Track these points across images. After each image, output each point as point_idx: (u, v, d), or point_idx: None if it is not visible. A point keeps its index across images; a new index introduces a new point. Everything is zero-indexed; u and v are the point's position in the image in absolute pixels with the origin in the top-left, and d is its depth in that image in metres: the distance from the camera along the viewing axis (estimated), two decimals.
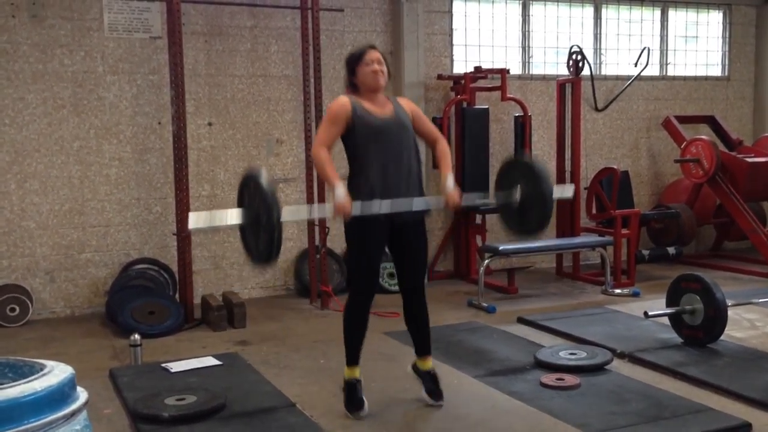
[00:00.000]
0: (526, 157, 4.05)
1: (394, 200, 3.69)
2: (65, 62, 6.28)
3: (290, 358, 4.94)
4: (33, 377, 2.20)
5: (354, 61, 3.84)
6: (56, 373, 2.23)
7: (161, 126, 6.56)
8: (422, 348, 4.06)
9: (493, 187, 4.15)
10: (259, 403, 4.04)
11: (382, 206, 3.67)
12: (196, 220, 3.74)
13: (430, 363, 4.06)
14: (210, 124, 6.77)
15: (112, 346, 5.43)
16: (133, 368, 4.72)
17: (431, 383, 4.03)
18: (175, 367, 4.64)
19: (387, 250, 3.96)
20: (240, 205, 3.66)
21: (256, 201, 3.51)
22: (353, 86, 3.88)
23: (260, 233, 3.49)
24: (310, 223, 6.63)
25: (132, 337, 4.83)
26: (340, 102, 3.78)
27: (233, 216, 3.65)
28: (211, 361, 4.78)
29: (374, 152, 3.73)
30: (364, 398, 3.89)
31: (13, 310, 6.04)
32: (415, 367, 4.11)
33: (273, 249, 3.45)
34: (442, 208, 3.94)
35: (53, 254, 6.35)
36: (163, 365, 4.68)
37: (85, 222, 6.43)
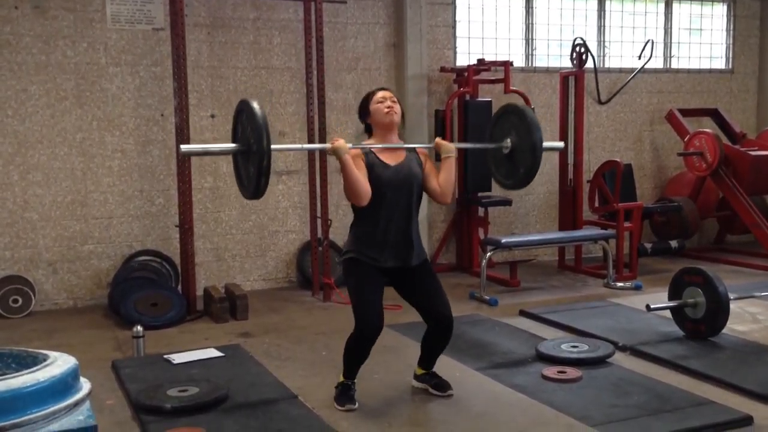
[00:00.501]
0: (519, 105, 4.01)
1: (384, 144, 3.74)
2: (68, 54, 6.27)
3: (292, 350, 4.95)
4: (36, 368, 2.21)
5: (366, 101, 3.82)
6: (59, 363, 2.24)
7: (164, 118, 6.56)
8: (429, 363, 4.07)
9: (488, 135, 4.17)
10: (261, 394, 4.05)
11: (374, 147, 3.73)
12: (189, 147, 3.71)
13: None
14: (213, 116, 6.76)
15: (114, 338, 5.45)
16: (135, 359, 4.73)
17: (435, 378, 4.05)
18: (178, 358, 4.65)
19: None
20: (234, 138, 3.64)
21: (247, 129, 3.47)
22: (368, 128, 3.85)
23: (250, 161, 3.45)
24: (313, 216, 6.63)
25: (134, 329, 4.85)
26: (352, 152, 3.68)
27: (227, 146, 3.66)
28: (213, 352, 4.79)
29: (381, 204, 3.70)
30: (356, 398, 3.89)
31: (16, 301, 6.06)
32: (416, 377, 4.12)
33: (262, 176, 3.38)
34: (432, 146, 3.89)
35: (56, 246, 6.36)
36: (166, 357, 4.69)
37: (88, 214, 6.43)
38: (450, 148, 3.83)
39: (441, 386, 4.01)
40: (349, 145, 3.67)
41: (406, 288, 3.90)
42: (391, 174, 3.72)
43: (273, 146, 3.38)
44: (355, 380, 3.93)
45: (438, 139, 3.93)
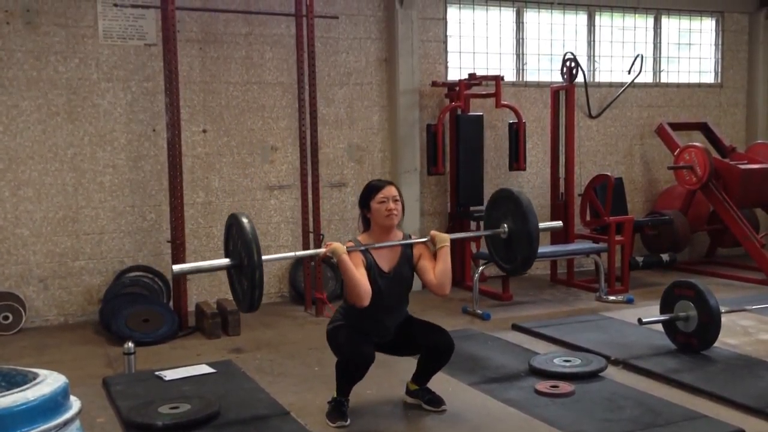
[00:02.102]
0: (514, 191, 4.05)
1: (382, 243, 3.78)
2: (59, 69, 6.27)
3: (285, 366, 4.93)
4: (26, 386, 2.19)
5: (369, 195, 3.80)
6: (49, 382, 2.22)
7: (156, 133, 6.56)
8: (424, 380, 4.08)
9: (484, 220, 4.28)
10: (254, 411, 4.03)
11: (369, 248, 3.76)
12: (181, 267, 3.76)
13: None
14: (204, 131, 6.77)
15: (105, 354, 5.42)
16: (126, 376, 4.70)
17: (428, 393, 4.05)
18: (169, 375, 4.62)
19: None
20: (226, 253, 3.70)
21: (238, 244, 3.52)
22: (365, 221, 3.86)
23: (243, 275, 3.50)
24: (305, 231, 6.63)
25: (126, 345, 4.81)
26: (353, 254, 3.69)
27: (219, 262, 3.69)
28: (205, 368, 4.77)
29: (373, 306, 3.70)
30: (348, 415, 3.88)
31: (6, 318, 6.02)
32: (409, 392, 4.12)
33: (255, 289, 3.42)
34: (427, 240, 3.90)
35: (47, 262, 6.33)
36: (157, 373, 4.67)
37: (79, 229, 6.41)
38: (444, 238, 3.84)
39: (434, 402, 4.00)
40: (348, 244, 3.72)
41: (398, 343, 3.96)
42: (385, 284, 3.78)
43: (264, 257, 3.43)
44: (349, 397, 3.92)
45: (432, 233, 3.92)
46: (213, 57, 6.75)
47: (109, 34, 6.40)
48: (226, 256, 3.67)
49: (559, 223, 4.52)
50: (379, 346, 3.93)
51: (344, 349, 3.77)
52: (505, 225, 4.00)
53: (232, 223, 3.57)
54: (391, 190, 3.78)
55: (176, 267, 3.68)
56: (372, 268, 3.74)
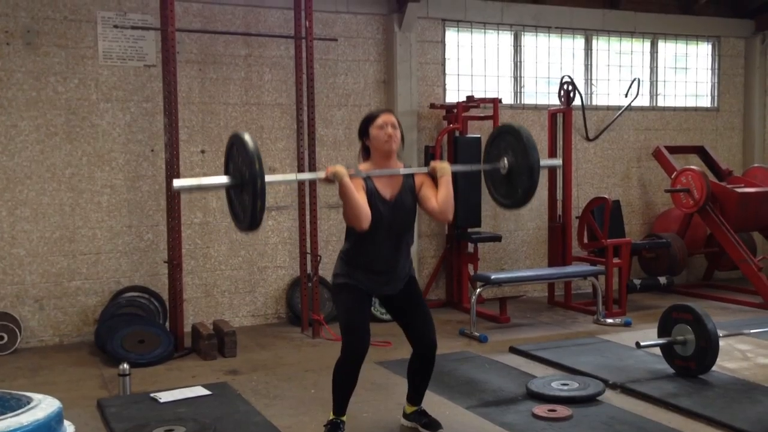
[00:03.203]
0: (515, 125, 4.01)
1: (382, 169, 3.75)
2: (59, 89, 6.29)
3: (281, 388, 4.90)
4: (20, 411, 2.17)
5: (367, 123, 3.82)
6: (43, 407, 2.21)
7: (154, 153, 6.57)
8: (418, 397, 4.06)
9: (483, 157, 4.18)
10: None
11: (372, 173, 3.71)
12: (181, 183, 3.65)
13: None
14: (203, 151, 6.78)
15: (100, 375, 5.38)
16: (121, 398, 4.67)
17: (425, 417, 4.02)
18: (164, 397, 4.60)
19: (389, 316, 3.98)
20: (226, 172, 3.59)
21: (239, 161, 3.43)
22: (365, 149, 3.86)
23: (244, 191, 3.40)
24: (302, 251, 6.62)
25: (121, 367, 4.79)
26: (354, 180, 3.67)
27: (219, 179, 3.60)
28: (200, 390, 4.74)
29: (374, 236, 3.71)
30: None
31: (1, 338, 5.98)
32: (406, 415, 4.10)
33: (257, 208, 3.32)
34: (428, 171, 3.86)
35: (43, 282, 6.31)
36: (152, 395, 4.64)
37: (76, 249, 6.40)
38: (445, 166, 3.82)
39: (431, 425, 3.98)
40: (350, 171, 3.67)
41: (395, 308, 3.92)
42: (387, 210, 3.73)
43: (266, 177, 3.34)
44: (344, 418, 3.89)
45: (433, 163, 3.90)
46: (212, 78, 6.79)
47: (109, 55, 6.44)
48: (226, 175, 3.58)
49: (558, 161, 4.45)
50: (385, 301, 3.87)
51: (345, 335, 3.78)
52: (505, 159, 3.93)
53: (234, 143, 3.50)
54: (389, 117, 3.78)
55: (177, 182, 3.56)
56: (373, 194, 3.70)
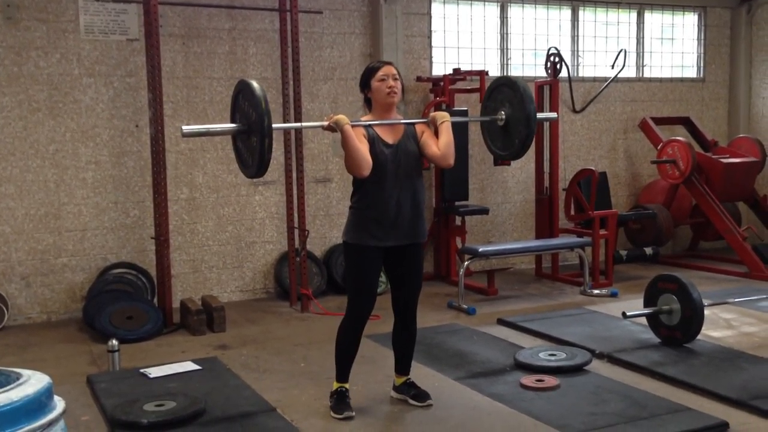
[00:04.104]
0: (512, 77, 4.09)
1: (382, 119, 3.81)
2: (40, 64, 6.21)
3: (270, 362, 4.91)
4: (9, 387, 2.17)
5: (368, 75, 3.84)
6: (33, 382, 2.21)
7: (138, 129, 6.51)
8: (405, 366, 4.10)
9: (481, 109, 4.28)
10: (239, 407, 4.02)
11: (373, 123, 3.78)
12: (190, 128, 3.69)
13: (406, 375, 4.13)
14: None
15: (89, 352, 5.38)
16: (111, 374, 4.67)
17: (414, 389, 4.06)
18: (154, 372, 4.60)
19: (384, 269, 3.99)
20: (233, 118, 3.69)
21: (247, 106, 3.51)
22: (367, 101, 3.89)
23: (252, 137, 3.48)
24: (290, 226, 6.61)
25: (110, 343, 4.79)
26: (356, 129, 3.71)
27: (227, 125, 3.70)
28: (190, 366, 4.75)
29: (383, 182, 3.73)
30: (351, 406, 3.91)
31: None
32: (395, 387, 4.13)
33: (265, 149, 3.42)
34: (428, 121, 3.93)
35: (29, 259, 6.27)
36: (142, 371, 4.64)
37: (62, 226, 6.36)
38: (444, 114, 3.90)
39: (420, 397, 4.01)
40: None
41: (391, 261, 3.93)
42: (391, 153, 3.76)
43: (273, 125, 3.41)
44: (348, 386, 3.94)
45: (432, 113, 3.97)
46: (196, 52, 6.71)
47: (91, 29, 6.34)
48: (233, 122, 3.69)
49: (554, 114, 4.58)
50: (388, 252, 3.87)
51: (353, 296, 3.85)
52: (502, 111, 4.02)
53: (241, 89, 3.58)
54: (390, 69, 3.82)
55: (185, 128, 3.62)
56: (375, 140, 3.74)
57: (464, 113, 7.37)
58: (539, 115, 4.01)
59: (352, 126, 3.66)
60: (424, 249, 7.58)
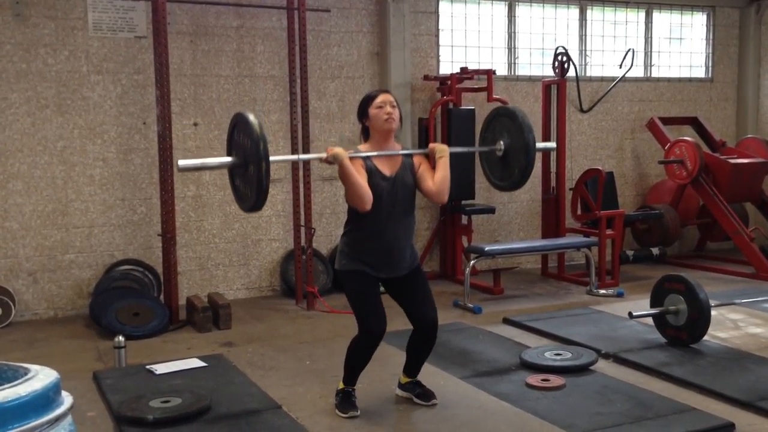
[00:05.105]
0: (510, 107, 4.09)
1: (381, 151, 3.78)
2: (49, 62, 6.23)
3: (276, 360, 4.92)
4: (17, 381, 2.17)
5: (366, 103, 3.83)
6: (41, 377, 2.21)
7: (146, 126, 6.52)
8: (415, 371, 4.09)
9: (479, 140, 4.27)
10: (245, 405, 4.03)
11: (371, 155, 3.76)
12: (186, 163, 3.68)
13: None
14: (196, 124, 6.73)
15: (96, 348, 5.39)
16: (117, 370, 4.69)
17: (419, 387, 4.06)
18: (160, 369, 4.62)
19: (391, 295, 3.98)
20: (229, 146, 3.65)
21: (244, 139, 3.48)
22: (365, 130, 3.87)
23: (249, 174, 3.46)
24: (296, 224, 6.62)
25: (116, 339, 4.81)
26: (354, 161, 3.70)
27: (224, 159, 3.65)
28: (196, 362, 4.76)
29: (377, 214, 3.71)
30: (357, 405, 3.92)
31: None
32: (401, 385, 4.13)
33: (262, 189, 3.40)
34: (427, 151, 3.93)
35: (36, 255, 6.30)
36: (148, 367, 4.66)
37: (69, 223, 6.38)
38: (443, 148, 3.88)
39: (425, 396, 4.02)
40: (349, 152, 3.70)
41: (396, 290, 3.92)
42: (388, 186, 3.75)
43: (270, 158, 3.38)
44: (355, 387, 3.95)
45: (431, 145, 3.97)
46: (204, 50, 6.72)
47: (99, 27, 6.36)
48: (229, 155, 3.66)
49: (552, 144, 4.59)
50: (387, 284, 3.87)
51: (362, 318, 3.80)
52: (501, 142, 4.01)
53: (237, 122, 3.55)
54: (387, 97, 3.81)
55: (182, 162, 3.61)
56: (373, 172, 3.73)
57: (471, 112, 7.37)
58: (538, 145, 3.98)
59: (351, 159, 3.63)
60: (428, 252, 7.62)
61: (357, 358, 3.88)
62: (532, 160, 3.91)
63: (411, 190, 3.84)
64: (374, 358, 4.76)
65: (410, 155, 3.89)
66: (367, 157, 3.75)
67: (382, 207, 3.72)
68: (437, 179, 3.80)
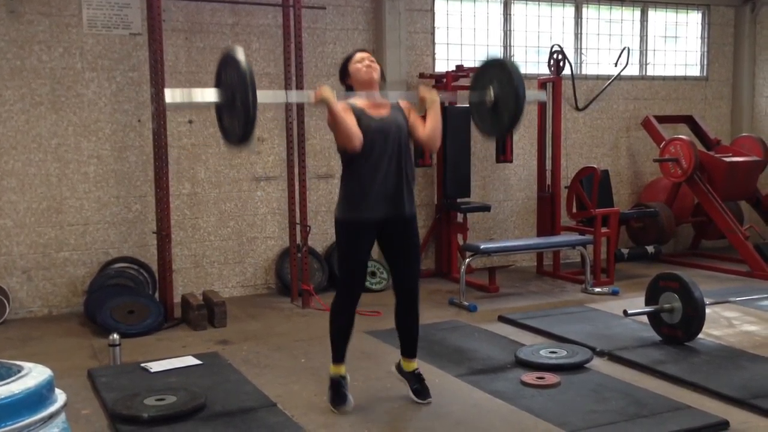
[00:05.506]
0: (501, 57, 4.09)
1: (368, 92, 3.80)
2: (43, 58, 6.20)
3: (271, 358, 4.92)
4: (10, 379, 2.17)
5: (346, 63, 3.90)
6: (34, 375, 2.20)
7: (141, 123, 6.51)
8: (409, 349, 4.09)
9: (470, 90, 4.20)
10: (240, 402, 4.02)
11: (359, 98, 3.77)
12: (172, 95, 3.65)
13: (415, 364, 4.10)
14: (190, 121, 6.72)
15: (90, 346, 5.38)
16: (112, 368, 4.68)
17: (417, 383, 4.05)
18: (155, 366, 4.61)
19: (380, 250, 3.99)
20: (217, 84, 3.61)
21: (233, 79, 3.46)
22: (349, 89, 3.90)
23: (236, 111, 3.44)
24: (291, 222, 6.61)
25: (111, 337, 4.80)
26: (341, 104, 3.72)
27: (210, 94, 3.60)
28: (191, 360, 4.76)
29: (370, 155, 3.72)
30: (349, 395, 3.92)
31: None
32: (399, 368, 4.13)
33: (248, 127, 3.38)
34: (415, 101, 3.94)
35: (30, 253, 6.28)
36: (143, 365, 4.65)
37: (63, 220, 6.36)
38: (434, 98, 3.88)
39: (421, 393, 4.01)
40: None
41: (388, 244, 3.94)
42: (378, 124, 3.77)
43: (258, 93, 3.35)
44: (344, 371, 3.94)
45: (421, 89, 3.96)
46: (199, 47, 6.70)
47: (94, 23, 6.34)
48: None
49: (543, 95, 4.51)
50: (383, 235, 3.88)
51: (343, 275, 3.88)
52: (491, 91, 3.95)
53: (226, 58, 3.52)
54: (365, 53, 3.90)
55: (168, 92, 3.62)
56: (362, 114, 3.76)
57: (467, 110, 7.33)
58: (528, 93, 3.91)
59: (339, 100, 3.67)
60: (423, 250, 7.62)
61: (339, 322, 3.90)
62: (522, 105, 3.84)
63: (404, 129, 3.84)
64: (369, 355, 4.77)
65: (398, 104, 3.92)
66: (355, 100, 3.77)
67: (375, 146, 3.73)
68: (429, 126, 3.85)
